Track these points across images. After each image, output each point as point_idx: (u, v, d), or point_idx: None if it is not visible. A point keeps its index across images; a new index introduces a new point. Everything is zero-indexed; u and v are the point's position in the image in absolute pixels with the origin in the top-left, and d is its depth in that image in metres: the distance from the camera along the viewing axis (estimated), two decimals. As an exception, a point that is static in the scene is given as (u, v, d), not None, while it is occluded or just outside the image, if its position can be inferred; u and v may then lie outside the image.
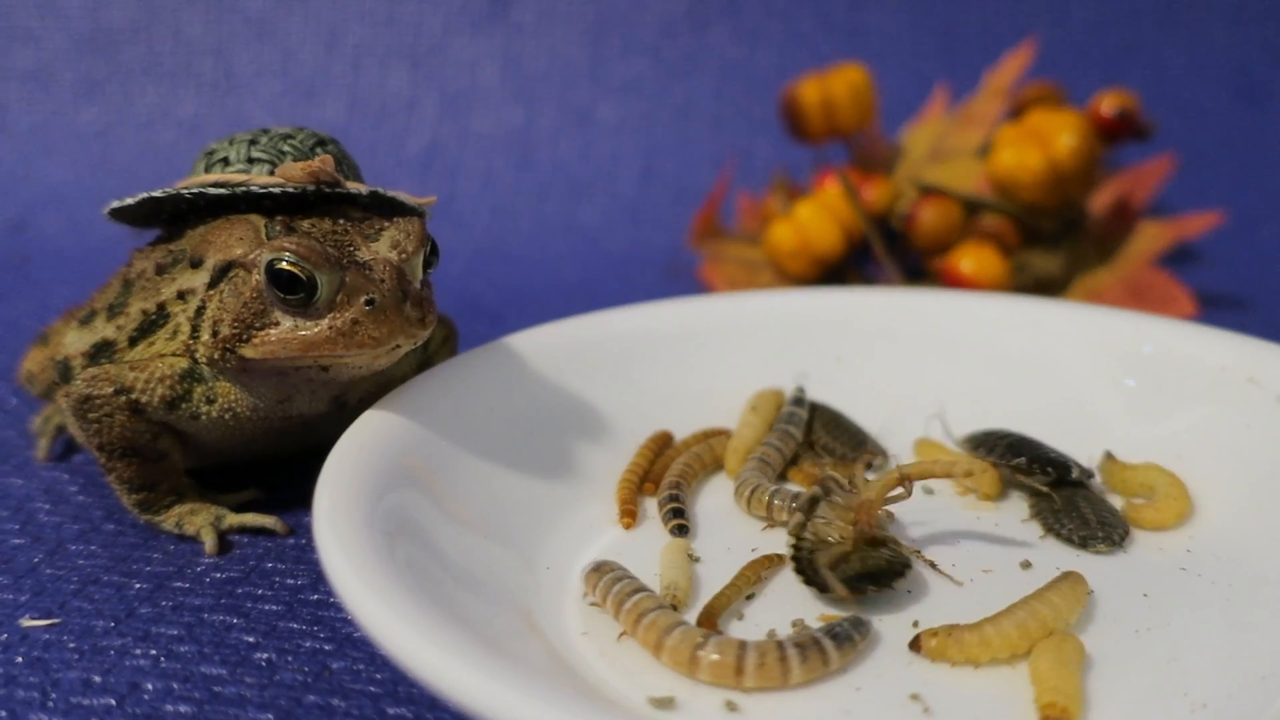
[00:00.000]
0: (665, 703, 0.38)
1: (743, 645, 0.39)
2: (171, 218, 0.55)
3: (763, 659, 0.38)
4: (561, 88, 1.10)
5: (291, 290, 0.45)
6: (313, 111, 1.09)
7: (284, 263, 0.44)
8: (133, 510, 0.51)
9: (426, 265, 0.48)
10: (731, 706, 0.38)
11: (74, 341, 0.54)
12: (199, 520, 0.51)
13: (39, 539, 0.51)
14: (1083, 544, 0.47)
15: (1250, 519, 0.48)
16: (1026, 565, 0.46)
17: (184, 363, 0.49)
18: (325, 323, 0.45)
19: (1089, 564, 0.46)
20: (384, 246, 0.46)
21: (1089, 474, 0.51)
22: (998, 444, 0.53)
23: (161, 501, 0.51)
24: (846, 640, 0.39)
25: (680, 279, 0.90)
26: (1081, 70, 1.02)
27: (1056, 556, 0.47)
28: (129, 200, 0.52)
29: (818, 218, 0.79)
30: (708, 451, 0.54)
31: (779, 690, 0.38)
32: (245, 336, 0.46)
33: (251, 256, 0.46)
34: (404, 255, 0.46)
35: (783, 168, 0.93)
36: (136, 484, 0.50)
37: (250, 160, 0.51)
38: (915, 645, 0.40)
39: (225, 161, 0.51)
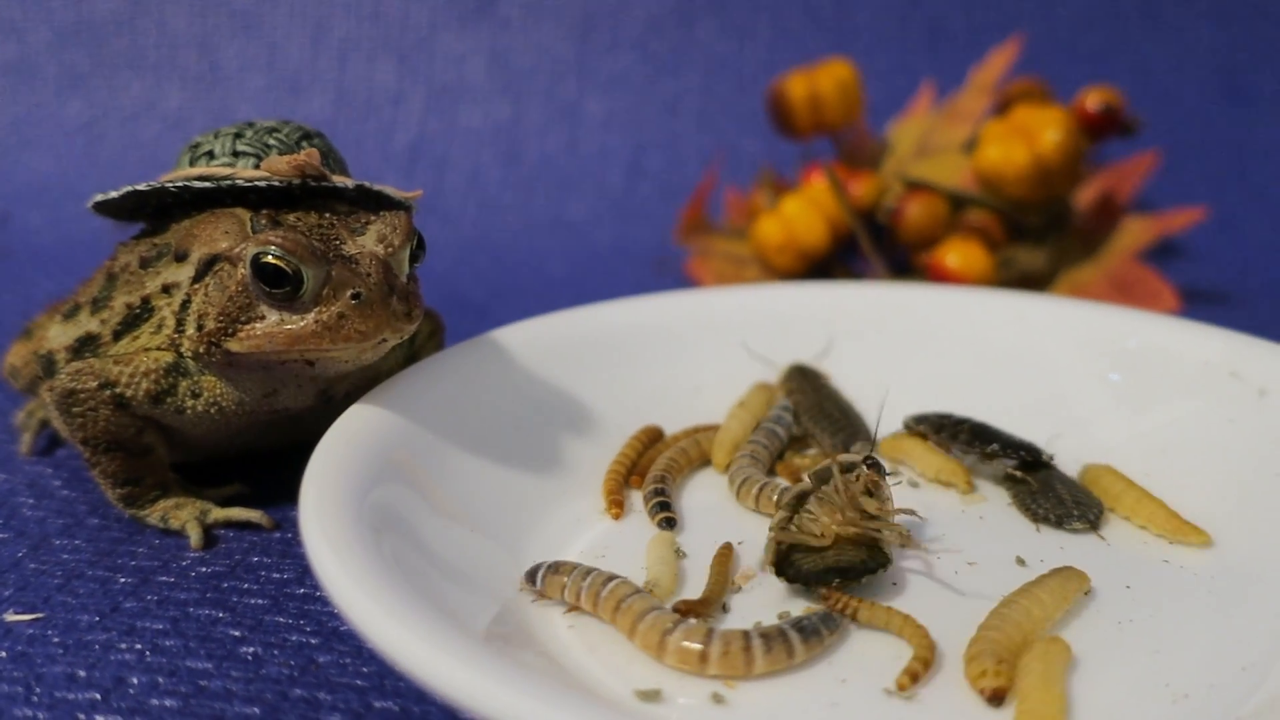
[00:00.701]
0: (652, 695, 0.38)
1: (709, 632, 0.39)
2: (156, 211, 0.55)
3: (727, 647, 0.38)
4: (548, 83, 1.10)
5: (277, 284, 0.44)
6: (299, 105, 1.08)
7: (269, 256, 0.44)
8: (117, 505, 0.51)
9: (413, 259, 0.48)
10: (718, 699, 0.38)
11: (57, 335, 0.54)
12: (184, 514, 0.51)
13: (23, 533, 0.51)
14: (1058, 523, 0.48)
15: (1232, 511, 0.48)
16: (1012, 558, 0.46)
17: (169, 357, 0.49)
18: (311, 317, 0.45)
19: (1072, 557, 0.46)
20: (370, 240, 0.46)
21: (1051, 455, 0.52)
22: (959, 432, 0.53)
23: (146, 496, 0.51)
24: (814, 634, 0.40)
25: (667, 274, 0.90)
26: (1067, 66, 1.03)
27: (1042, 549, 0.47)
28: (113, 194, 0.52)
29: (804, 213, 0.80)
30: (694, 446, 0.54)
31: (746, 679, 0.39)
32: (230, 330, 0.46)
33: (237, 250, 0.46)
34: (390, 249, 0.46)
35: (769, 163, 0.93)
36: (121, 478, 0.50)
37: (235, 154, 0.51)
38: (993, 699, 0.37)
39: (210, 155, 0.51)
